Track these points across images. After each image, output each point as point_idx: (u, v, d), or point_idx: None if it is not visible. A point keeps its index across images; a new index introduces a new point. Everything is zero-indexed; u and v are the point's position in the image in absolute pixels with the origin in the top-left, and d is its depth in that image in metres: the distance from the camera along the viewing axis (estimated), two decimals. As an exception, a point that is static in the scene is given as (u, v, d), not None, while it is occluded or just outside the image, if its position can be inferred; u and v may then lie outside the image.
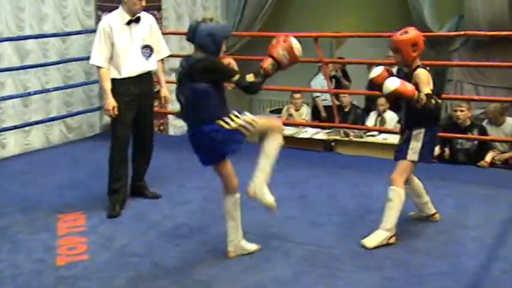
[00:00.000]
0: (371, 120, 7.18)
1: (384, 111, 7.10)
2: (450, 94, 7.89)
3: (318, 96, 8.09)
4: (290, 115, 7.64)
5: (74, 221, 4.13)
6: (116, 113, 4.18)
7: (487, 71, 7.84)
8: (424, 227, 3.90)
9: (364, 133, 6.73)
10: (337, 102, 7.15)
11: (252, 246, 3.58)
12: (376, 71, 3.76)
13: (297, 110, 7.68)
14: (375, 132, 6.76)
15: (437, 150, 6.27)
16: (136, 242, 3.76)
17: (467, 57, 7.92)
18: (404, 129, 3.80)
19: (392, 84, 3.47)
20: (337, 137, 6.69)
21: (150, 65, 4.35)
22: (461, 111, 5.98)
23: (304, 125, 7.25)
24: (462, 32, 6.68)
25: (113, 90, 4.20)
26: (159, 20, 7.84)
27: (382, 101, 7.09)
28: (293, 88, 7.55)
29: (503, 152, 6.14)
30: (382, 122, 7.09)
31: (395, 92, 3.47)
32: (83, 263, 3.47)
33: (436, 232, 3.82)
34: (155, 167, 4.62)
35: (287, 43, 3.35)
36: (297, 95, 7.65)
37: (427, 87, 3.51)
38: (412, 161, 3.68)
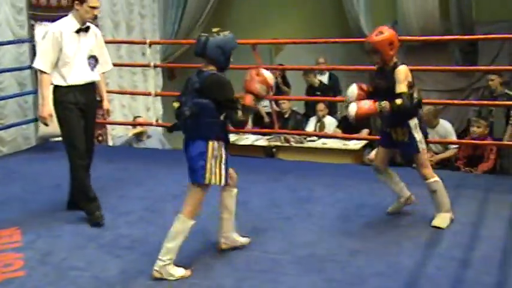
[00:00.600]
0: (311, 126, 7.29)
1: (323, 116, 7.22)
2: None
3: (258, 104, 8.14)
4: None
5: (9, 236, 3.99)
6: (49, 122, 4.13)
7: (421, 74, 8.07)
8: (363, 229, 3.98)
9: (304, 138, 6.82)
10: (277, 109, 7.22)
11: (245, 240, 3.73)
12: (351, 94, 3.91)
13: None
14: (315, 137, 6.86)
15: (374, 153, 6.43)
16: (75, 256, 3.67)
17: (401, 61, 8.14)
18: (393, 125, 3.93)
19: (352, 111, 3.74)
20: (278, 143, 6.76)
21: (95, 75, 4.31)
22: None
23: (245, 132, 7.28)
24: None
25: (59, 98, 4.15)
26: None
27: (321, 106, 7.22)
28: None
29: (437, 153, 6.35)
30: (322, 127, 7.21)
31: (358, 116, 3.73)
32: (20, 279, 3.36)
33: (375, 233, 3.90)
34: (94, 178, 4.52)
35: (261, 77, 3.40)
36: (236, 102, 7.67)
37: (402, 85, 3.71)
38: (423, 150, 3.93)
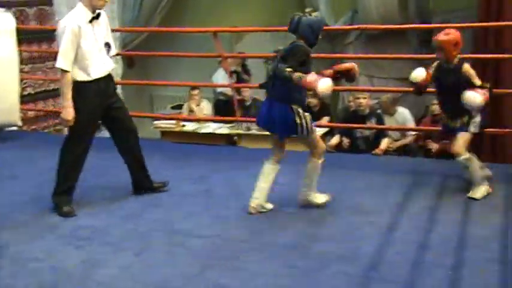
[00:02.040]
0: (271, 114, 7.29)
1: (284, 104, 7.24)
2: (345, 86, 8.16)
3: (220, 92, 8.12)
4: (191, 111, 7.62)
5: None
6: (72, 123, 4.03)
7: (380, 63, 8.19)
8: (326, 215, 4.02)
9: (266, 126, 6.83)
10: (238, 97, 7.21)
11: (323, 199, 4.10)
12: (419, 74, 4.40)
13: (197, 105, 7.67)
14: (276, 125, 6.87)
15: (335, 139, 6.51)
16: (34, 247, 3.61)
17: (361, 50, 8.24)
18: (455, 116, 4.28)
19: (477, 98, 4.07)
20: (240, 131, 6.76)
21: (112, 62, 4.24)
22: (364, 98, 6.29)
23: (206, 120, 7.26)
24: (356, 26, 6.94)
25: (83, 93, 4.02)
26: (50, 15, 7.57)
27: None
28: (193, 83, 7.55)
29: (396, 140, 6.46)
30: (283, 114, 7.22)
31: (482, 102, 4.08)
32: (-24, 272, 3.29)
33: (337, 219, 3.95)
34: (53, 168, 4.45)
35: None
36: (195, 91, 7.64)
37: (477, 79, 4.17)
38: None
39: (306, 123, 3.92)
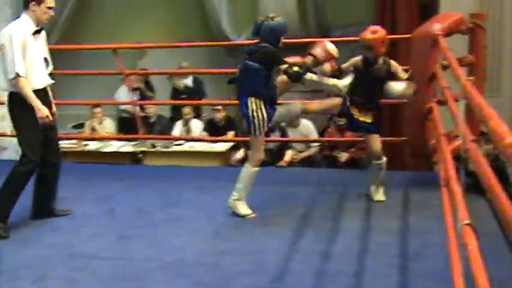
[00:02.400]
0: (177, 130, 7.25)
1: (189, 120, 7.21)
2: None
3: (123, 110, 7.96)
4: (93, 129, 7.42)
5: None
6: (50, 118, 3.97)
7: (282, 76, 8.33)
8: (231, 229, 4.02)
9: (171, 143, 6.77)
10: (142, 114, 7.11)
11: (247, 211, 4.17)
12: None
13: (100, 124, 7.48)
14: (182, 141, 6.83)
15: (240, 153, 6.55)
16: None
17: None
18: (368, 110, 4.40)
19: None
20: (144, 149, 6.65)
21: (49, 78, 4.16)
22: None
23: (110, 139, 7.09)
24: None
25: (24, 102, 3.93)
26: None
27: (187, 110, 7.21)
28: (95, 101, 7.37)
29: (300, 152, 6.59)
30: (188, 130, 7.19)
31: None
32: None
33: (242, 233, 3.96)
34: None
35: (323, 45, 4.20)
36: (97, 109, 7.46)
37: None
38: None
39: (258, 121, 4.03)
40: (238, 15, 8.57)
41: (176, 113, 7.62)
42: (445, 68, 4.29)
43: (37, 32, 4.01)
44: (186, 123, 7.22)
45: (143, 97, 7.95)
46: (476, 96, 2.13)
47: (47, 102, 4.10)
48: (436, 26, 4.58)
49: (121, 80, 7.87)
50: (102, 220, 4.29)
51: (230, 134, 7.11)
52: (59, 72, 8.20)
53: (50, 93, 4.25)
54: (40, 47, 4.08)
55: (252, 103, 4.03)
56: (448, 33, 4.57)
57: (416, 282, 3.17)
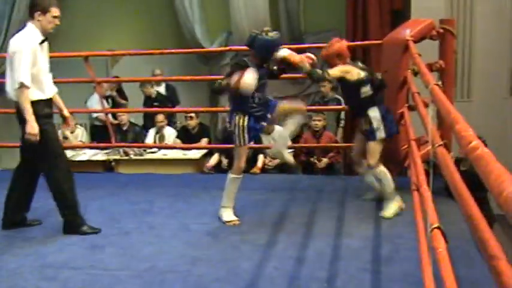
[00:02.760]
0: (150, 137, 7.20)
1: (163, 127, 7.18)
2: (227, 107, 8.24)
3: (96, 118, 7.89)
4: (65, 138, 7.32)
5: None
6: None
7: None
8: (204, 237, 4.00)
9: (144, 150, 6.72)
10: (114, 121, 7.05)
11: (229, 218, 4.18)
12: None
13: (72, 132, 7.39)
14: (155, 149, 6.79)
15: (214, 159, 6.53)
16: None
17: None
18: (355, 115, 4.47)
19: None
20: (117, 157, 6.59)
21: (54, 87, 4.20)
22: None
23: (82, 147, 7.02)
24: (227, 48, 7.04)
25: (41, 112, 3.96)
26: None
27: (160, 117, 7.17)
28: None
29: (274, 158, 6.57)
30: (161, 138, 7.15)
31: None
32: None
33: (215, 240, 3.94)
34: None
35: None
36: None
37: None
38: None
39: (239, 132, 4.13)
40: (210, 22, 8.57)
41: (149, 121, 7.57)
42: (416, 73, 4.33)
43: (42, 41, 3.99)
44: (159, 131, 7.18)
45: (116, 105, 7.89)
46: (443, 100, 2.15)
47: (52, 111, 4.14)
48: (406, 32, 4.62)
49: (93, 88, 7.81)
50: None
51: (203, 141, 7.09)
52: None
53: (59, 100, 4.29)
54: (46, 55, 4.07)
55: (238, 116, 4.12)
56: (419, 38, 4.63)
57: (389, 286, 3.18)
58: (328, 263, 3.48)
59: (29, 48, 3.87)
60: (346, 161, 6.56)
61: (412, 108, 4.50)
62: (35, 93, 3.95)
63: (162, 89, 7.87)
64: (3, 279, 3.40)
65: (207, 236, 4.01)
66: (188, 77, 7.27)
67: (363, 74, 4.25)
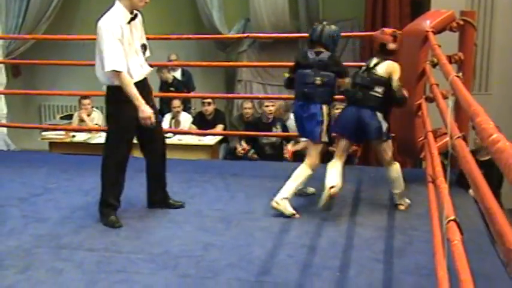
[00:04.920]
0: (166, 122, 7.22)
1: (178, 112, 7.19)
2: (241, 93, 8.26)
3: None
4: (82, 121, 7.38)
5: None
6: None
7: (273, 70, 8.34)
8: (217, 223, 4.01)
9: (160, 135, 6.73)
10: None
11: (290, 210, 4.03)
12: None
13: (88, 115, 7.44)
14: (170, 134, 6.81)
15: (243, 147, 6.54)
16: None
17: (255, 58, 8.36)
18: None
19: None
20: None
21: (148, 65, 4.00)
22: (273, 105, 6.46)
23: (98, 130, 7.06)
24: (245, 35, 7.03)
25: (122, 97, 3.75)
26: None
27: (176, 102, 7.19)
28: (84, 92, 7.33)
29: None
30: (177, 123, 7.17)
31: None
32: None
33: (229, 226, 3.95)
34: None
35: None
36: (86, 101, 7.41)
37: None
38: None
39: (325, 128, 4.16)
40: (228, 9, 8.55)
41: (165, 106, 7.59)
42: (434, 65, 4.29)
43: (132, 19, 3.82)
44: (175, 116, 7.20)
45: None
46: (464, 92, 2.14)
47: (146, 92, 3.90)
48: (426, 23, 4.58)
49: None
50: (89, 212, 4.25)
51: (219, 128, 7.10)
52: (47, 62, 8.19)
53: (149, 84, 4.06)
54: (137, 34, 3.88)
55: (324, 111, 4.09)
56: (439, 30, 4.58)
57: (401, 277, 3.18)
58: (341, 252, 3.49)
59: (111, 31, 3.68)
60: (362, 152, 6.53)
61: (430, 99, 4.47)
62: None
63: (178, 74, 7.87)
64: (19, 259, 3.45)
65: (221, 222, 4.02)
66: (205, 63, 7.28)
67: None
